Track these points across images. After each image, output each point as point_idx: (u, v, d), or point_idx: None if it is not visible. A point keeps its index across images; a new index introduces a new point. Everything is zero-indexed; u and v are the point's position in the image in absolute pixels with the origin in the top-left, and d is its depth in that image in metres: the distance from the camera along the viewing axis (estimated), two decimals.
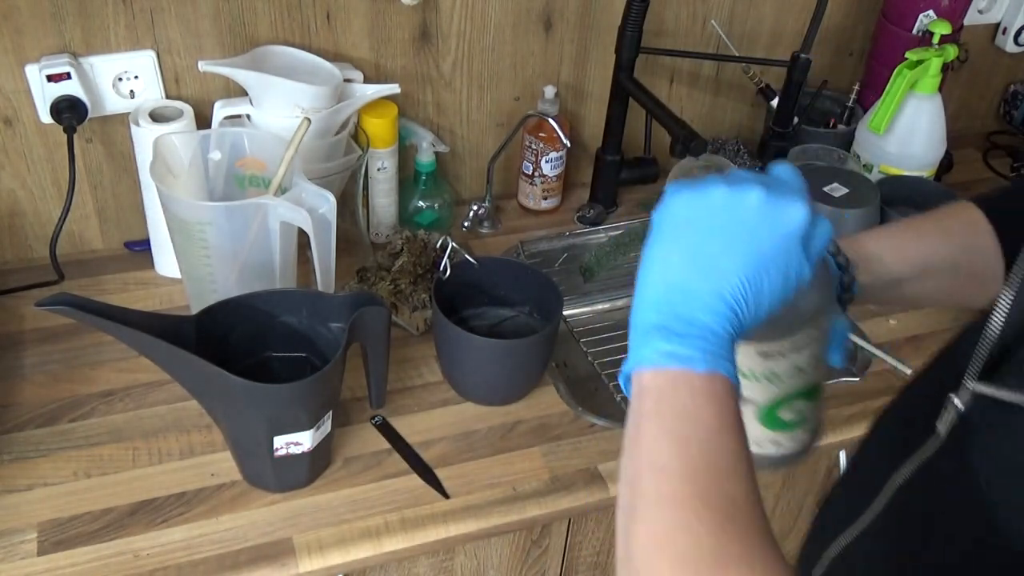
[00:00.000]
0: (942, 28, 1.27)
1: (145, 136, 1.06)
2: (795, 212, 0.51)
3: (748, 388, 0.63)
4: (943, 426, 0.56)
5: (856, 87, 1.41)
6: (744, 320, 0.50)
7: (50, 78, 1.04)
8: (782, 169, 0.54)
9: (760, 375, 0.62)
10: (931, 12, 1.34)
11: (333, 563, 0.87)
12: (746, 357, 0.61)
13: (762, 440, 0.66)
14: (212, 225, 0.94)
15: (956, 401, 0.55)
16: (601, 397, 1.17)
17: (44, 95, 1.05)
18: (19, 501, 0.89)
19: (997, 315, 0.54)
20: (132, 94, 1.12)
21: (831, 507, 0.68)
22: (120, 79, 1.10)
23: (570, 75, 1.35)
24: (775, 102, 1.36)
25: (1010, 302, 0.54)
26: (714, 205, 0.51)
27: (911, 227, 0.73)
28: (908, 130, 1.30)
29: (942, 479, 0.56)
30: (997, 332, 0.54)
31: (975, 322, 0.57)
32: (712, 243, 0.51)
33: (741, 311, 0.50)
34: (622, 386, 0.53)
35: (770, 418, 0.65)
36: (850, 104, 1.41)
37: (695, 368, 0.49)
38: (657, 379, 0.50)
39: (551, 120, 1.21)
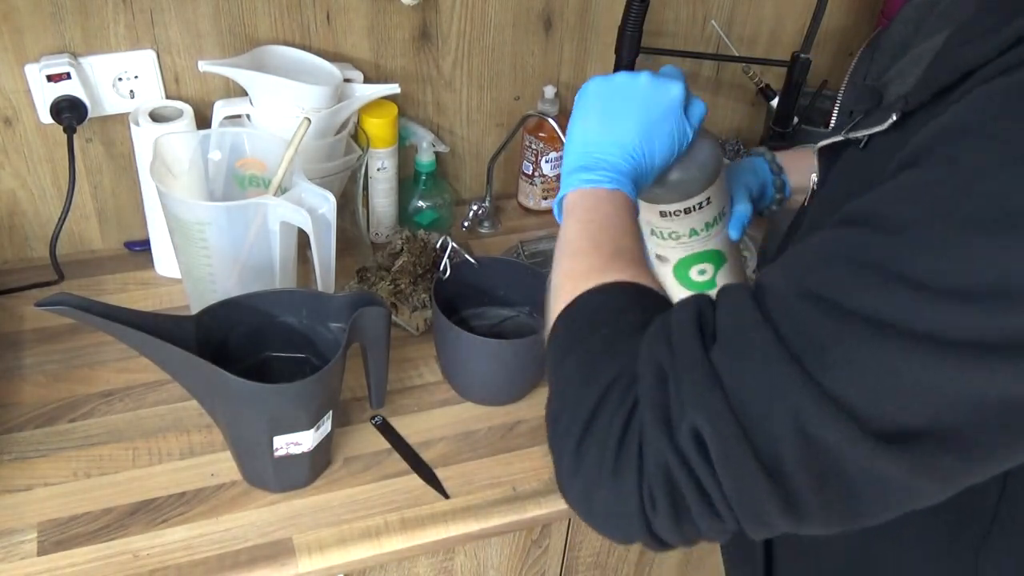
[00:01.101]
0: None
1: (145, 136, 1.06)
2: (675, 88, 0.70)
3: (657, 245, 0.81)
4: (805, 201, 0.76)
5: None
6: (640, 165, 0.69)
7: (50, 78, 1.04)
8: (668, 68, 0.74)
9: (663, 232, 0.80)
10: None
11: (333, 563, 0.87)
12: (651, 215, 0.79)
13: (679, 297, 0.76)
14: (212, 225, 0.94)
15: (813, 176, 0.74)
16: None
17: (44, 95, 1.05)
18: (19, 501, 0.89)
19: (836, 105, 0.75)
20: (132, 94, 1.12)
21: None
22: (120, 79, 1.10)
23: (570, 75, 1.35)
24: (775, 102, 1.36)
25: (842, 92, 0.75)
26: (616, 85, 0.71)
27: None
28: None
29: (800, 240, 0.68)
30: (835, 116, 0.75)
31: None
32: (615, 111, 0.70)
33: (636, 156, 0.68)
34: (556, 215, 0.69)
35: (682, 276, 0.83)
36: None
37: (603, 186, 0.67)
38: (576, 196, 0.67)
39: (551, 120, 1.21)
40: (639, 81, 0.70)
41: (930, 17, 0.66)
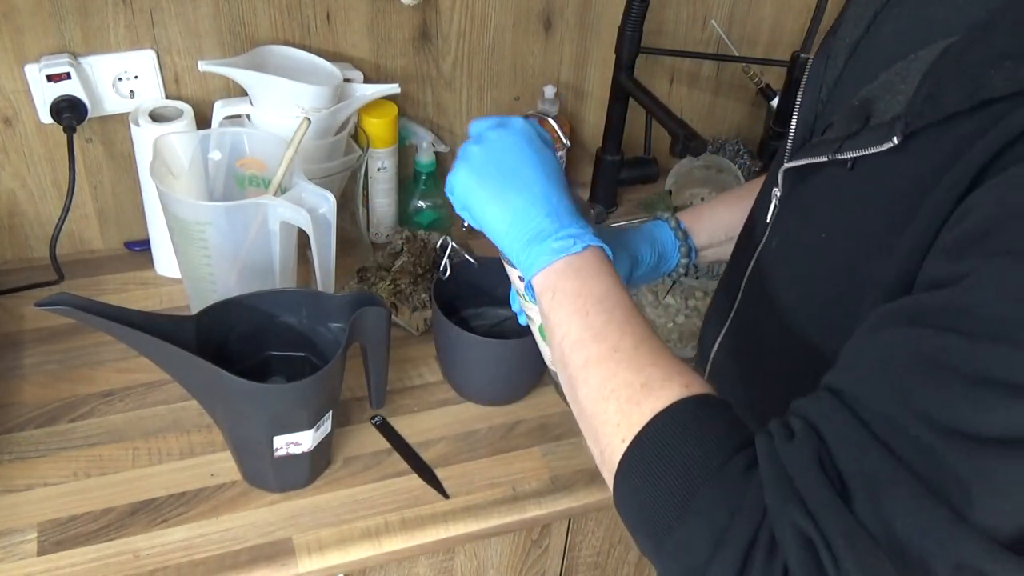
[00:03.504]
0: None
1: (145, 136, 1.06)
2: (517, 122, 0.68)
3: (523, 305, 0.77)
4: (768, 216, 0.71)
5: None
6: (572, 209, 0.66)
7: (50, 78, 1.04)
8: (479, 122, 0.71)
9: (527, 295, 0.74)
10: None
11: (333, 563, 0.87)
12: (515, 277, 0.75)
13: (546, 352, 0.79)
14: (212, 225, 0.94)
15: (775, 190, 0.69)
16: None
17: (44, 95, 1.05)
18: (19, 501, 0.89)
19: (793, 121, 0.69)
20: (132, 94, 1.12)
21: (716, 303, 0.82)
22: (120, 79, 1.10)
23: (570, 75, 1.35)
24: (775, 102, 1.37)
25: (797, 108, 0.69)
26: (490, 146, 0.67)
27: (725, 200, 0.91)
28: None
29: (772, 259, 0.70)
30: (793, 132, 0.69)
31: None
32: (510, 169, 0.66)
33: (565, 201, 0.65)
34: (529, 298, 0.67)
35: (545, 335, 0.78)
36: None
37: (571, 251, 0.63)
38: (548, 277, 0.63)
39: (551, 120, 1.21)
40: (502, 134, 0.68)
41: (890, 15, 0.63)
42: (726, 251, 0.88)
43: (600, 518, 1.05)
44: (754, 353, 0.73)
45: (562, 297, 0.62)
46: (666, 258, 0.88)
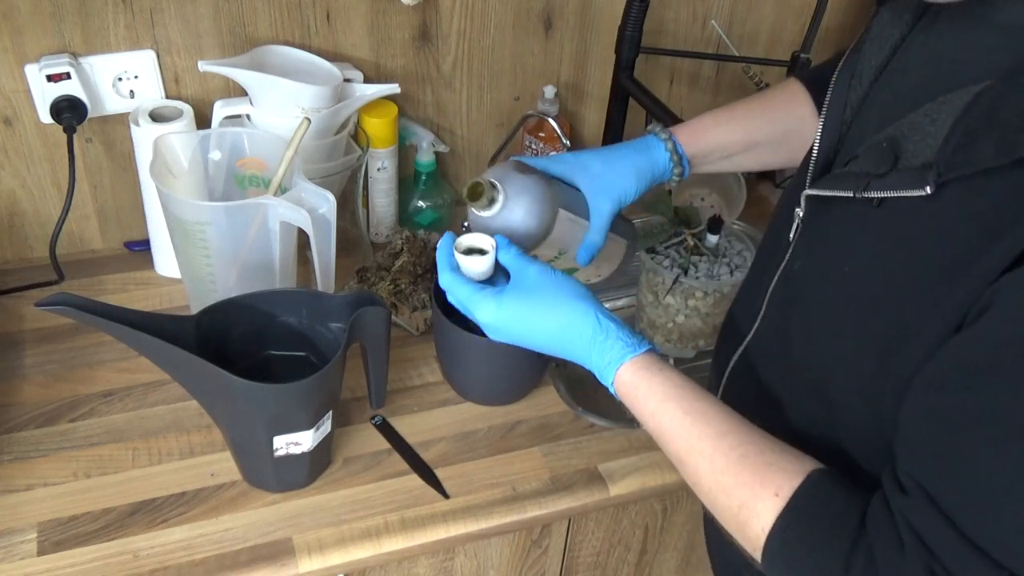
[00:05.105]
0: None
1: (145, 136, 1.06)
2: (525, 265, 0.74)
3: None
4: (791, 234, 0.72)
5: None
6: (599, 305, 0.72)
7: (50, 78, 1.04)
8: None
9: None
10: None
11: (333, 563, 0.87)
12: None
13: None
14: (212, 225, 0.94)
15: (798, 210, 0.70)
16: (601, 397, 1.16)
17: (44, 95, 1.05)
18: (19, 501, 0.89)
19: (817, 141, 0.70)
20: (132, 94, 1.12)
21: (734, 316, 0.83)
22: (120, 79, 1.10)
23: (570, 75, 1.35)
24: None
25: (821, 128, 0.70)
26: (521, 299, 0.73)
27: (740, 109, 0.91)
28: None
29: (794, 282, 0.70)
30: (816, 152, 0.70)
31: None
32: (538, 304, 0.73)
33: (596, 302, 0.73)
34: (612, 393, 0.71)
35: None
36: None
37: (630, 356, 0.69)
38: (624, 382, 0.70)
39: (551, 120, 1.21)
40: (528, 276, 0.74)
41: (915, 42, 0.64)
42: (720, 166, 0.92)
43: (600, 518, 1.05)
44: (774, 370, 0.74)
45: (644, 402, 0.68)
46: (659, 171, 0.89)
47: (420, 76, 1.26)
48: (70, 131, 1.07)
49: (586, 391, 1.16)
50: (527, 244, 0.80)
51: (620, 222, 0.91)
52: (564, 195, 0.83)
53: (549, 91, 1.28)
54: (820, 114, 0.71)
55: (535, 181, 0.79)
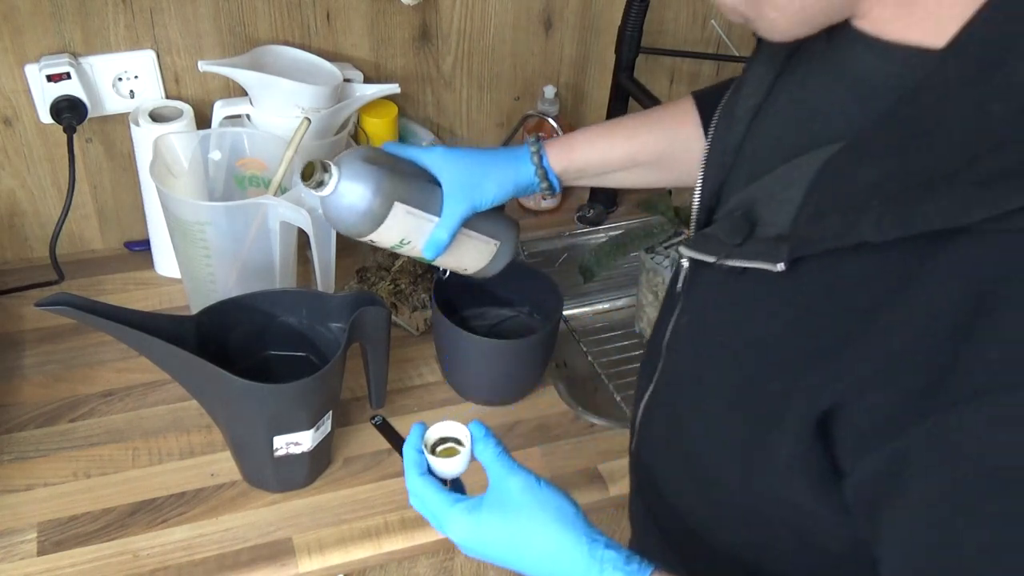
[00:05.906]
0: None
1: (145, 136, 1.06)
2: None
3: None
4: (680, 287, 0.68)
5: None
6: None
7: (50, 78, 1.04)
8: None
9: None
10: None
11: (333, 563, 0.87)
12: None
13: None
14: (212, 225, 0.94)
15: (684, 263, 0.66)
16: (601, 397, 1.17)
17: (44, 95, 1.05)
18: (19, 501, 0.89)
19: (697, 192, 0.66)
20: (132, 94, 1.12)
21: (646, 355, 0.78)
22: (120, 79, 1.10)
23: (570, 75, 1.35)
24: None
25: (702, 177, 0.66)
26: (507, 520, 0.63)
27: (626, 125, 0.88)
28: None
29: (682, 335, 0.67)
30: (697, 205, 0.66)
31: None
32: (519, 537, 0.62)
33: (591, 542, 0.61)
34: None
35: None
36: None
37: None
38: None
39: (551, 120, 1.21)
40: (512, 494, 0.64)
41: (785, 87, 0.61)
42: (601, 182, 0.89)
43: (600, 518, 1.05)
44: (674, 416, 0.70)
45: None
46: (523, 187, 0.86)
47: (420, 76, 1.26)
48: (70, 131, 1.07)
49: (586, 391, 1.17)
50: (353, 230, 0.80)
51: (500, 221, 0.90)
52: (422, 189, 0.82)
53: (549, 91, 1.28)
54: (706, 142, 0.68)
55: (374, 171, 0.78)
